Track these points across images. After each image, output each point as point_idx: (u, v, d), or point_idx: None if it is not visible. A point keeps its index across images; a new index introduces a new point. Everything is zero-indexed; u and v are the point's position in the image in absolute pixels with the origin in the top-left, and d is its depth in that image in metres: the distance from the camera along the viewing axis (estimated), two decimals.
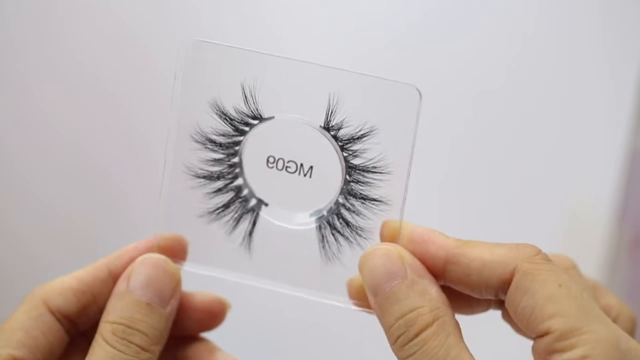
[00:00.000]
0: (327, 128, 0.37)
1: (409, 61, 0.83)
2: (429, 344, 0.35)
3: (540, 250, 0.37)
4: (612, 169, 0.83)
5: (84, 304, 0.38)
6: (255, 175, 0.38)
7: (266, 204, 0.38)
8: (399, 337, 0.35)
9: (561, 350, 0.34)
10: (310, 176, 0.38)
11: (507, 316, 0.40)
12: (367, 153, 0.38)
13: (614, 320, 0.39)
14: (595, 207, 0.85)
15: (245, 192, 0.38)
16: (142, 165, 0.85)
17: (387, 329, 0.36)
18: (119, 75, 0.82)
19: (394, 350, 0.36)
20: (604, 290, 0.42)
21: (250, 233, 0.38)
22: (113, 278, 0.38)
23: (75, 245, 0.84)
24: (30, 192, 0.83)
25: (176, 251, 0.38)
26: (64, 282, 0.38)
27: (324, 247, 0.39)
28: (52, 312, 0.37)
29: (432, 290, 0.36)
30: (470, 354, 0.36)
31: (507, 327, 0.42)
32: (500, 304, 0.40)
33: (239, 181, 0.38)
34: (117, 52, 0.81)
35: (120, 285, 0.37)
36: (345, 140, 0.37)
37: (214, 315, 0.40)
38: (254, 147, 0.37)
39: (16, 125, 0.81)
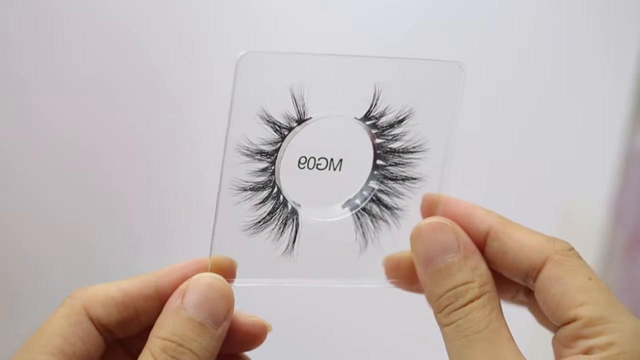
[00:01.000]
0: (366, 118, 0.37)
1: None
2: (473, 313, 0.36)
3: (573, 247, 0.39)
4: (607, 170, 0.83)
5: (125, 318, 0.37)
6: (288, 179, 0.38)
7: (299, 205, 0.38)
8: (446, 306, 0.37)
9: (587, 337, 0.36)
10: (340, 169, 0.38)
11: (532, 305, 0.41)
12: (405, 135, 0.38)
13: None
14: (591, 207, 0.85)
15: (282, 197, 0.38)
16: (140, 166, 0.85)
17: (435, 299, 0.37)
18: (118, 76, 0.82)
19: (437, 318, 0.37)
20: None
21: (294, 238, 0.38)
22: (159, 296, 0.37)
23: (72, 244, 0.84)
24: (27, 192, 0.83)
25: (226, 271, 0.38)
26: (107, 292, 0.37)
27: (363, 234, 0.39)
28: (92, 320, 0.36)
29: (482, 267, 0.38)
30: (509, 330, 0.37)
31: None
32: (526, 294, 0.41)
33: (277, 188, 0.37)
34: (117, 54, 0.81)
35: (174, 301, 0.36)
36: (384, 127, 0.38)
37: (256, 337, 0.40)
38: (287, 151, 0.37)
39: (15, 127, 0.81)
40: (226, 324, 0.36)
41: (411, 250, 0.38)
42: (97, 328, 0.36)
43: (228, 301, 0.36)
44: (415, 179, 0.39)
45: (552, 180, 0.85)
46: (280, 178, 0.37)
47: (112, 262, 0.86)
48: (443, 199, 0.39)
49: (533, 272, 0.38)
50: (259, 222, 0.37)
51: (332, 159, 0.38)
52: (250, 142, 0.36)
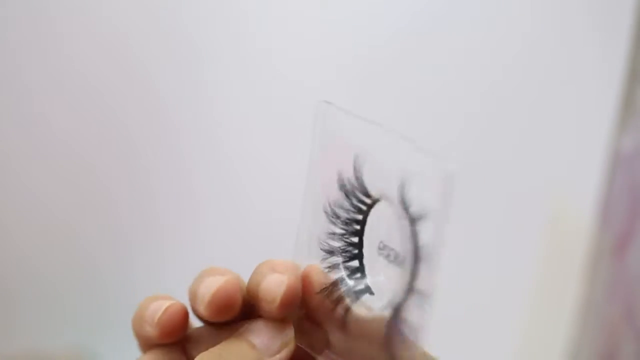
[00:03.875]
0: (408, 216, 0.34)
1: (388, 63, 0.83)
2: None
3: None
4: (594, 171, 0.84)
5: None
6: (370, 262, 0.35)
7: (372, 293, 0.35)
8: None
9: None
10: (402, 264, 0.34)
11: None
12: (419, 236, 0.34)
13: None
14: (578, 208, 0.86)
15: (357, 275, 0.35)
16: (132, 168, 0.85)
17: None
18: (112, 80, 0.82)
19: None
20: None
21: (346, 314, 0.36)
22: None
23: (65, 243, 0.85)
24: (21, 191, 0.83)
25: None
26: None
27: (392, 336, 0.35)
28: None
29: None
30: None
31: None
32: None
33: (355, 263, 0.35)
34: (111, 58, 0.82)
35: None
36: (414, 220, 0.34)
37: None
38: (369, 231, 0.35)
39: (13, 129, 0.81)
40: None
41: None
42: None
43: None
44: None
45: (540, 182, 0.86)
46: (365, 257, 0.35)
47: (105, 261, 0.86)
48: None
49: None
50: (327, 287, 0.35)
51: (398, 253, 0.34)
52: (330, 200, 0.34)
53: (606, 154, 0.83)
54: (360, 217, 0.35)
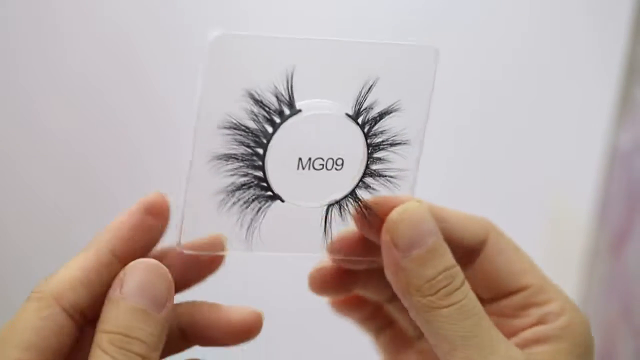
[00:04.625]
0: (357, 113, 0.37)
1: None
2: (470, 294, 0.37)
3: None
4: (592, 168, 0.84)
5: (96, 295, 0.36)
6: (278, 173, 0.37)
7: (282, 200, 0.37)
8: (444, 287, 0.36)
9: (539, 304, 0.37)
10: (341, 168, 0.37)
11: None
12: (389, 129, 0.38)
13: None
14: (576, 206, 0.86)
15: (263, 184, 0.37)
16: (132, 168, 0.85)
17: (426, 281, 0.36)
18: (113, 79, 0.82)
19: (428, 301, 0.36)
20: None
21: (257, 218, 0.38)
22: (118, 258, 0.37)
23: (61, 240, 0.84)
24: (24, 191, 0.83)
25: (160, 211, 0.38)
26: (72, 276, 0.36)
27: (326, 224, 0.39)
28: (65, 310, 0.35)
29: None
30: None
31: None
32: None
33: (259, 172, 0.37)
34: (110, 56, 0.81)
35: (114, 291, 0.35)
36: (371, 121, 0.37)
37: (251, 328, 0.40)
38: (282, 145, 0.36)
39: (11, 128, 0.81)
40: (169, 305, 0.36)
41: (387, 235, 0.37)
42: (70, 315, 0.36)
43: (167, 283, 0.36)
44: (393, 177, 0.39)
45: (537, 179, 0.86)
46: (268, 168, 0.37)
47: None
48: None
49: (479, 245, 0.39)
50: (227, 189, 0.37)
51: (330, 158, 0.37)
52: (230, 115, 0.35)
53: (604, 150, 0.82)
54: (269, 129, 0.36)
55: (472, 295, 0.36)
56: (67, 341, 0.36)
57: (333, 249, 0.39)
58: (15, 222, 0.84)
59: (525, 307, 0.38)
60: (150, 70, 0.82)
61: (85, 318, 0.37)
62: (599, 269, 0.81)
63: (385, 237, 0.37)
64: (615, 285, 0.77)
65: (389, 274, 0.38)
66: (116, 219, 0.39)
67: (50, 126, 0.82)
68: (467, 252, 0.39)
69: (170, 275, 0.36)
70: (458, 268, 0.37)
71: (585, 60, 0.83)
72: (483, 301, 0.38)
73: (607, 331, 0.78)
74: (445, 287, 0.36)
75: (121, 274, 0.36)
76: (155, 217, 0.38)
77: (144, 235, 0.38)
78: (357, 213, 0.39)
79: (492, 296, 0.39)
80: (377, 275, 0.41)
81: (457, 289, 0.36)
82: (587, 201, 0.84)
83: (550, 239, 0.86)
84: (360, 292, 0.44)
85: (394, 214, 0.37)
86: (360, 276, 0.43)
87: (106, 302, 0.36)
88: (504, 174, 0.86)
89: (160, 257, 0.38)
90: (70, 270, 0.36)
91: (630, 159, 0.78)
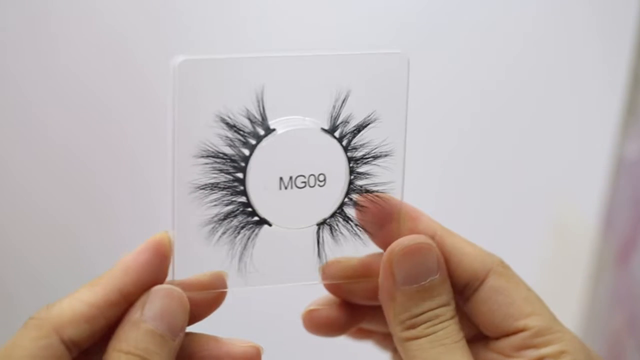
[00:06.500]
0: (333, 129, 0.37)
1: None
2: (451, 327, 0.37)
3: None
4: (598, 177, 0.84)
5: (97, 330, 0.36)
6: (262, 196, 0.36)
7: (270, 224, 0.37)
8: (424, 322, 0.37)
9: (537, 346, 0.37)
10: (324, 184, 0.37)
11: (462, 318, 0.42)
12: (369, 141, 0.37)
13: None
14: (582, 216, 0.85)
15: (248, 209, 0.37)
16: (132, 169, 0.85)
17: (410, 317, 0.37)
18: (111, 81, 0.82)
19: (408, 333, 0.37)
20: None
21: (249, 247, 0.37)
22: (125, 298, 0.37)
23: (62, 245, 0.84)
24: (23, 192, 0.83)
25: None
26: (76, 310, 0.36)
27: (319, 247, 0.39)
28: (63, 342, 0.35)
29: (451, 289, 0.39)
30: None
31: None
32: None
33: (242, 198, 0.36)
34: (108, 62, 0.82)
35: (134, 314, 0.36)
36: (348, 134, 0.37)
37: None
38: (261, 167, 0.36)
39: (11, 130, 0.81)
40: (182, 334, 0.36)
41: (387, 266, 0.38)
42: (68, 348, 0.36)
43: (185, 312, 0.36)
44: (379, 191, 0.39)
45: (544, 188, 0.85)
46: (250, 192, 0.36)
47: (105, 261, 0.86)
48: (403, 207, 0.39)
49: (475, 282, 0.39)
50: (213, 220, 0.36)
51: (312, 175, 0.37)
52: (205, 143, 0.35)
53: (610, 159, 0.82)
54: (246, 152, 0.35)
55: (452, 328, 0.37)
56: None
57: (328, 274, 0.40)
58: (12, 224, 0.84)
59: (522, 348, 0.38)
60: (148, 73, 0.82)
61: (80, 349, 0.37)
62: (605, 278, 0.81)
63: (385, 263, 0.38)
64: (621, 295, 0.77)
65: (381, 298, 0.39)
66: (125, 256, 0.38)
67: (47, 128, 0.82)
68: (460, 288, 0.39)
69: (189, 305, 0.36)
70: (447, 307, 0.38)
71: (591, 70, 0.83)
72: (487, 337, 0.39)
73: (613, 342, 0.77)
74: (425, 322, 0.37)
75: (144, 297, 0.36)
76: (162, 257, 0.38)
77: (152, 274, 0.38)
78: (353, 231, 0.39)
79: (490, 334, 0.39)
80: (379, 310, 0.41)
81: (437, 324, 0.37)
82: (593, 211, 0.84)
83: (556, 248, 0.86)
84: (366, 326, 0.44)
85: (399, 245, 0.38)
86: (358, 314, 0.43)
87: (125, 322, 0.36)
88: (510, 183, 0.85)
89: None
90: (74, 302, 0.36)
91: (636, 168, 0.78)
